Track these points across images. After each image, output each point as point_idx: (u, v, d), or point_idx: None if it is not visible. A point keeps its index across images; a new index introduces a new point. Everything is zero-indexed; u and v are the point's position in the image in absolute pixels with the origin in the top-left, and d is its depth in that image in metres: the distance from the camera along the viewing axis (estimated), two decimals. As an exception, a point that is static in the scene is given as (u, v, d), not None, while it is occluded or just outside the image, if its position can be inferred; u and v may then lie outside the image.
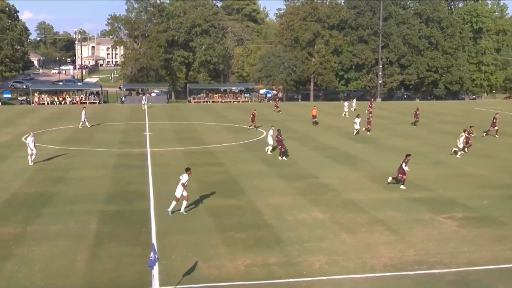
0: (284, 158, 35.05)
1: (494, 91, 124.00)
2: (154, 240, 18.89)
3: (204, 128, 52.72)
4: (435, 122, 56.67)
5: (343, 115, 63.55)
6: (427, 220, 21.83)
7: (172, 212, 22.35)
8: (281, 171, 31.44)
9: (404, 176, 27.28)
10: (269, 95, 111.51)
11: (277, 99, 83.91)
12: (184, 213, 22.48)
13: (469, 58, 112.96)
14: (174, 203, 22.22)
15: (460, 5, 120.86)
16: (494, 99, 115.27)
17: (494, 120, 46.79)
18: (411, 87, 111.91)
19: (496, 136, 45.84)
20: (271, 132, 37.80)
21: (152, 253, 14.19)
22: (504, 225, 21.19)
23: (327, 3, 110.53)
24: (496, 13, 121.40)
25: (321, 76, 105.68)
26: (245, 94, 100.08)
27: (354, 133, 46.36)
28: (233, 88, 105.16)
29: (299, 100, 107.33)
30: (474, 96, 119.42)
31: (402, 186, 27.32)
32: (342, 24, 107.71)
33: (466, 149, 37.25)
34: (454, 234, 20.12)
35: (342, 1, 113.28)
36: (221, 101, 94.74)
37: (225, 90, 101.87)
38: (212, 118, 61.89)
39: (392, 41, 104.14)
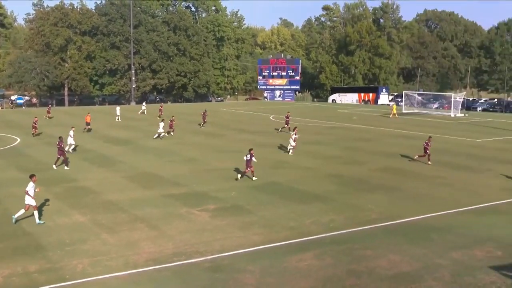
0: (55, 167, 32.36)
1: (236, 93, 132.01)
2: None
3: (-50, 137, 47.50)
4: (186, 123, 58.36)
5: (116, 119, 62.16)
6: (183, 214, 22.36)
7: (16, 221, 20.68)
8: (38, 177, 29.59)
9: (252, 168, 28.66)
10: (20, 101, 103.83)
11: (49, 105, 79.05)
12: (42, 222, 20.80)
13: (214, 64, 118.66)
14: (22, 211, 20.85)
15: (203, 15, 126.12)
16: (236, 101, 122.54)
17: (287, 119, 51.03)
18: (163, 90, 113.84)
19: (291, 132, 49.17)
20: (71, 133, 37.64)
21: None
22: (250, 213, 22.59)
23: (78, 9, 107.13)
24: (235, 24, 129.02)
25: (75, 81, 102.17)
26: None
27: (155, 136, 44.94)
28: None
29: (54, 105, 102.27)
30: (220, 98, 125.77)
31: (254, 178, 28.64)
32: (94, 31, 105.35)
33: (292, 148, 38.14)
34: (208, 225, 20.92)
35: (93, 8, 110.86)
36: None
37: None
38: (-41, 126, 56.03)
39: (143, 48, 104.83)
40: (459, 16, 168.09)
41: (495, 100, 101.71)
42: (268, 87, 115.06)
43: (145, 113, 70.87)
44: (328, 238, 19.36)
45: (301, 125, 58.14)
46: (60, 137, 33.69)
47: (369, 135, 49.39)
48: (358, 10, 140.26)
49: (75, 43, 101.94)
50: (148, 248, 18.22)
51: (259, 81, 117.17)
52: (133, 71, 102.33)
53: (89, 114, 53.11)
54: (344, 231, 20.09)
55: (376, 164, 34.10)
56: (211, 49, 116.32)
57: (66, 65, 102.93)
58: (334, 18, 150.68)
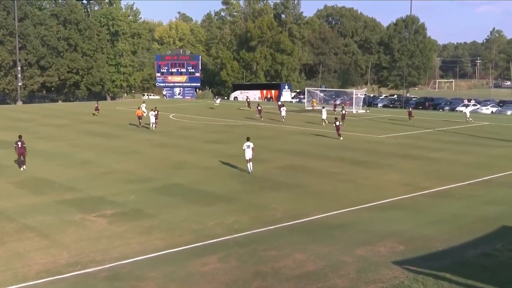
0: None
1: (133, 91, 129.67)
2: None
3: None
4: (79, 123, 56.70)
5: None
6: (78, 221, 21.69)
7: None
8: None
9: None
10: None
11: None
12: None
13: (108, 60, 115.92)
14: (250, 163, 30.02)
15: (96, 8, 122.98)
16: (134, 99, 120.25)
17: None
18: (53, 89, 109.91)
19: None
20: (152, 113, 48.93)
21: None
22: (151, 217, 22.29)
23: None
24: (130, 17, 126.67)
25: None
26: None
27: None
28: None
29: None
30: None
31: (341, 138, 34.07)
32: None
33: None
34: (105, 231, 20.42)
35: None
36: None
37: None
38: None
39: (30, 42, 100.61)
40: (359, 12, 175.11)
41: (395, 96, 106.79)
42: (167, 84, 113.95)
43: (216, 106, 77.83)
44: (232, 240, 19.47)
45: (201, 123, 58.21)
46: (19, 136, 32.71)
47: (271, 133, 50.20)
48: (259, 5, 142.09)
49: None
50: (40, 259, 17.52)
51: (157, 78, 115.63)
52: (19, 68, 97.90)
53: (139, 108, 58.78)
54: (249, 232, 20.28)
55: (279, 162, 34.71)
56: (105, 44, 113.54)
57: None
58: (235, 13, 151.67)
